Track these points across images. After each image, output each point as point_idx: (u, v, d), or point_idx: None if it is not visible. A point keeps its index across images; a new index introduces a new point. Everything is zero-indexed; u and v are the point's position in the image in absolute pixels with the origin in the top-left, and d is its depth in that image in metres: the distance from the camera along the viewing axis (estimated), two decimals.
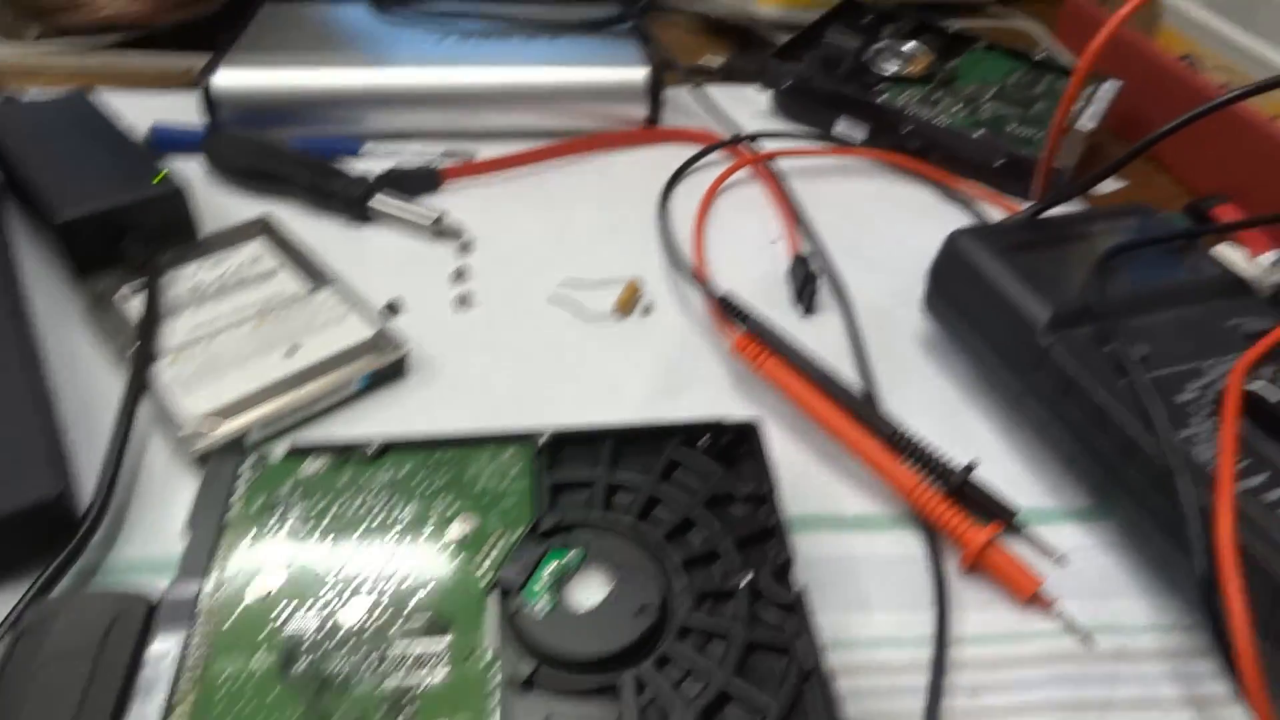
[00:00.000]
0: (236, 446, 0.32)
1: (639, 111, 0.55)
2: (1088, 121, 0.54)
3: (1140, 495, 0.30)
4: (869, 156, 0.54)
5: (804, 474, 0.35)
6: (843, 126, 0.56)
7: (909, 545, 0.32)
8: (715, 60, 0.64)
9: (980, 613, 0.30)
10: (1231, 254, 0.44)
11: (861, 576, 0.31)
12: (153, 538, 0.31)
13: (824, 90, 0.55)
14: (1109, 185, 0.55)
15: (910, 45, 0.59)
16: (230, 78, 0.51)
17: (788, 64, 0.57)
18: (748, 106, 0.59)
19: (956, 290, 0.38)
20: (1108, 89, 0.57)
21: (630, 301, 0.42)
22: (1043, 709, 0.28)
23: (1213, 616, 0.27)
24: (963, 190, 0.52)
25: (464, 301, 0.42)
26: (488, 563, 0.27)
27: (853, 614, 0.30)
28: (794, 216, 0.49)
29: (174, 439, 0.34)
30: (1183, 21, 0.59)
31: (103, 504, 0.30)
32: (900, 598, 0.31)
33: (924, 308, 0.40)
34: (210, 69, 0.51)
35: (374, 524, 0.28)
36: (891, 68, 0.57)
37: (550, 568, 0.27)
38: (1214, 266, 0.38)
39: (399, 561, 0.27)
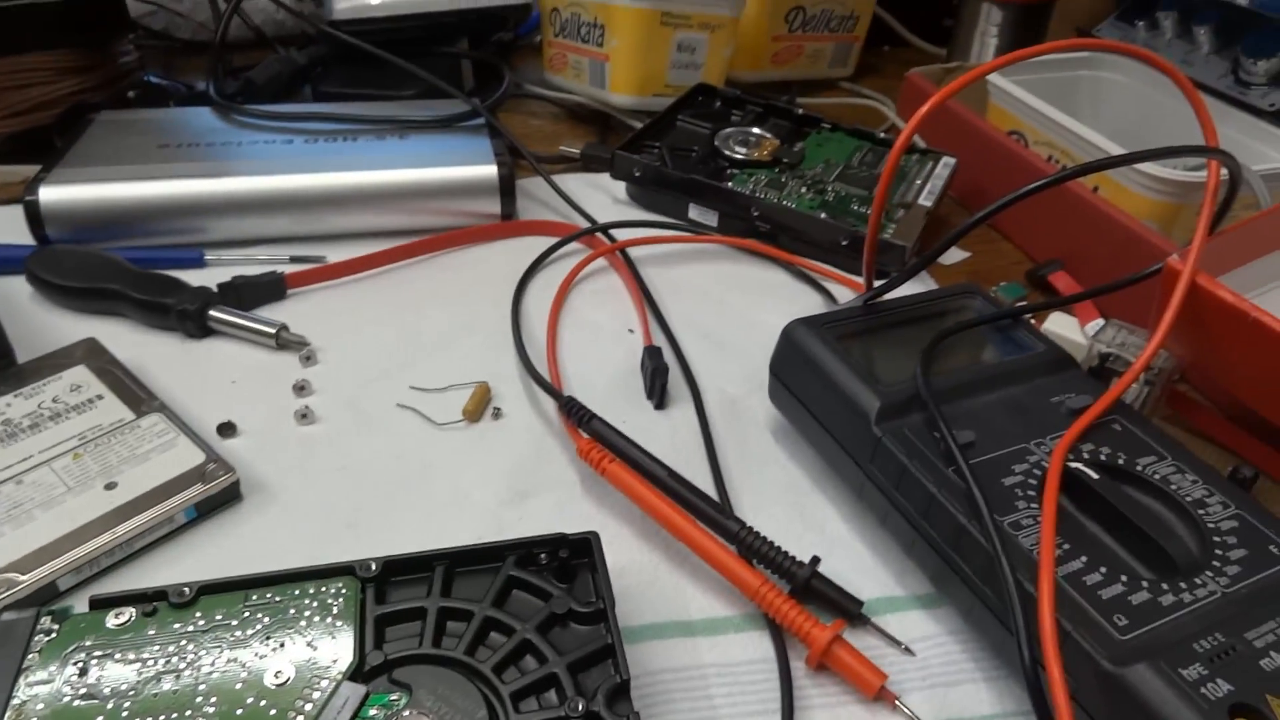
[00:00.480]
0: (36, 600, 0.30)
1: (492, 207, 0.55)
2: (926, 199, 0.56)
3: (972, 583, 0.31)
4: (721, 242, 0.55)
5: (651, 579, 0.34)
6: (695, 212, 0.57)
7: (757, 646, 0.32)
8: (574, 148, 0.65)
9: (828, 713, 0.30)
10: (1062, 324, 0.46)
11: (710, 683, 0.31)
12: None
13: (674, 178, 0.56)
14: (955, 255, 0.57)
15: (757, 130, 0.61)
16: (58, 192, 0.49)
17: (638, 154, 0.58)
18: (604, 194, 0.60)
19: (796, 381, 0.39)
20: (945, 165, 0.59)
21: (480, 406, 0.42)
22: None
23: (1038, 703, 0.27)
24: (813, 270, 0.53)
25: (305, 416, 0.40)
26: (308, 708, 0.26)
27: None
28: (647, 305, 0.49)
29: None
30: (1008, 100, 0.62)
31: None
32: (748, 704, 0.30)
33: (771, 398, 0.41)
34: (36, 183, 0.49)
35: (183, 677, 0.26)
36: (740, 153, 0.59)
37: (373, 713, 0.26)
38: (1040, 343, 0.39)
39: (212, 718, 0.25)
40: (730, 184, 0.55)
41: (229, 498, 0.36)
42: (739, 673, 0.31)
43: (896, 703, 0.30)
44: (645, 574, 0.34)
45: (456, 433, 0.40)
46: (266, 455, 0.38)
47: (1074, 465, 0.33)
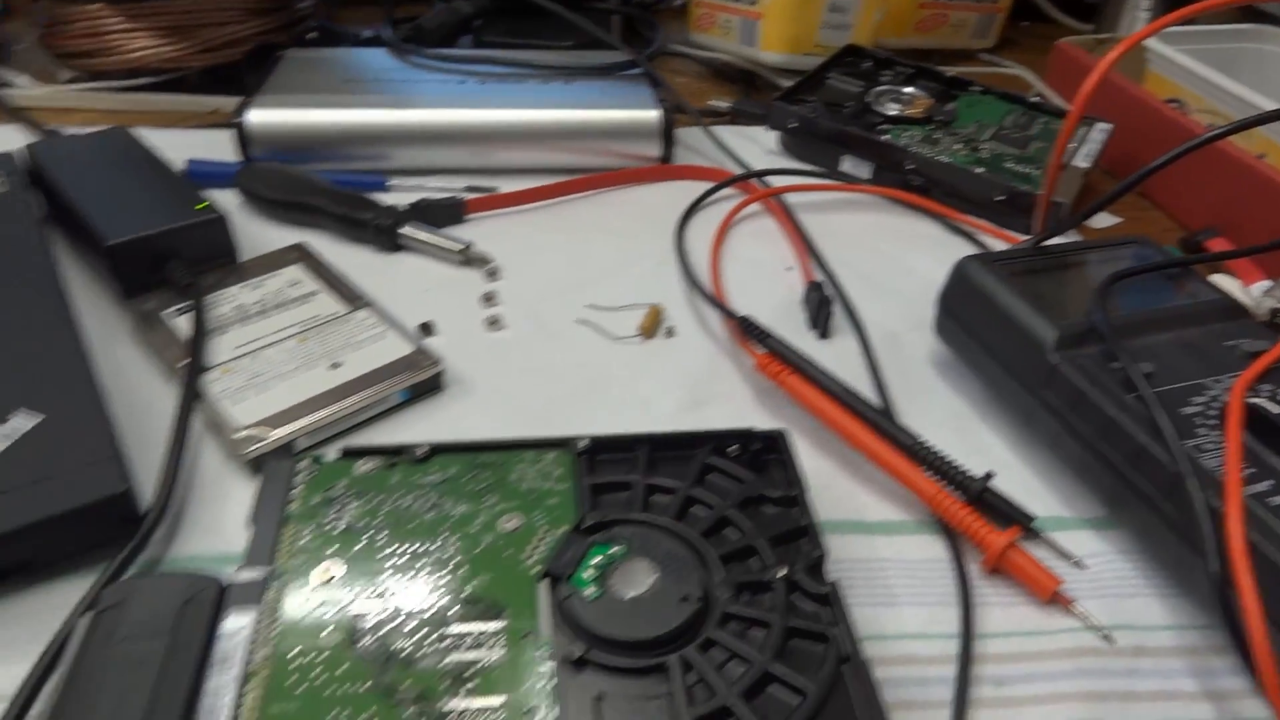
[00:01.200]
0: (287, 451, 0.33)
1: (652, 149, 0.57)
2: (1082, 160, 0.56)
3: (1151, 501, 0.32)
4: (874, 193, 0.57)
5: (827, 484, 0.36)
6: (848, 165, 0.58)
7: (932, 549, 0.34)
8: (722, 103, 0.67)
9: (1003, 611, 0.32)
10: (1226, 283, 0.47)
11: (889, 576, 0.33)
12: (210, 535, 0.32)
13: (829, 130, 0.58)
14: (1104, 220, 0.58)
15: (910, 89, 0.62)
16: (263, 115, 0.53)
17: (793, 106, 0.59)
18: (756, 146, 0.62)
19: (966, 313, 0.40)
20: (1100, 131, 0.60)
21: (653, 325, 0.44)
22: (1066, 698, 0.29)
23: (1227, 613, 0.28)
24: (967, 223, 0.54)
25: (494, 324, 0.43)
26: (536, 555, 0.29)
27: (881, 610, 0.31)
28: (806, 246, 0.51)
29: (226, 446, 0.35)
30: (1169, 68, 0.62)
31: (164, 501, 0.31)
32: (926, 596, 0.32)
33: (935, 331, 0.42)
34: (243, 108, 0.53)
35: (426, 520, 0.29)
36: (892, 110, 0.60)
37: (596, 560, 0.28)
38: (1212, 292, 0.40)
39: (452, 553, 0.28)
40: (885, 138, 0.57)
41: (434, 386, 0.39)
42: (915, 568, 0.33)
43: (1072, 606, 0.31)
44: (820, 480, 0.36)
45: (632, 347, 0.43)
46: (461, 354, 0.41)
47: (1254, 400, 0.33)
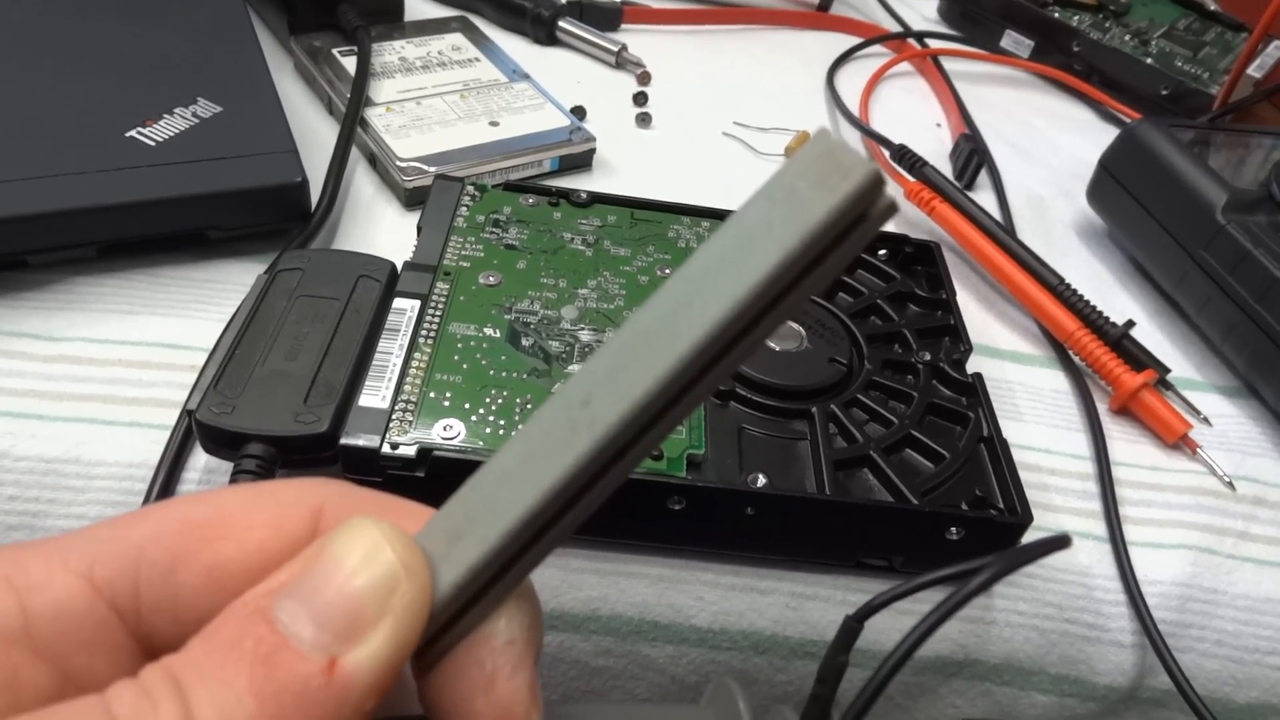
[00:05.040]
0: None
1: None
2: (1256, 70, 0.54)
3: None
4: (1034, 69, 0.55)
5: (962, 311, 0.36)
6: (1008, 41, 0.57)
7: (1059, 383, 0.34)
8: None
9: (1126, 445, 0.32)
10: None
11: (1016, 396, 0.33)
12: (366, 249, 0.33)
13: (998, 1, 0.56)
14: None
15: None
16: None
17: None
18: (913, 10, 0.60)
19: (1130, 174, 0.39)
20: (1276, 48, 0.57)
21: (800, 147, 0.44)
22: (1185, 525, 0.29)
23: None
24: (1125, 113, 0.52)
25: (644, 121, 0.44)
26: None
27: (1008, 423, 0.31)
28: (959, 107, 0.50)
29: (384, 176, 0.36)
30: None
31: (329, 204, 0.33)
32: (1053, 419, 0.32)
33: (1088, 194, 0.42)
34: None
35: (586, 255, 0.30)
36: None
37: None
38: None
39: (610, 283, 0.29)
40: (1054, 16, 0.55)
41: (585, 161, 0.39)
42: (1042, 394, 0.33)
43: (1198, 450, 0.31)
44: None
45: (777, 165, 0.43)
46: (609, 143, 0.42)
47: None
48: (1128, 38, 0.55)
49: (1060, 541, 0.14)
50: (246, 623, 0.12)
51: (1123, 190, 0.40)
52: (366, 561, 0.13)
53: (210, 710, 0.12)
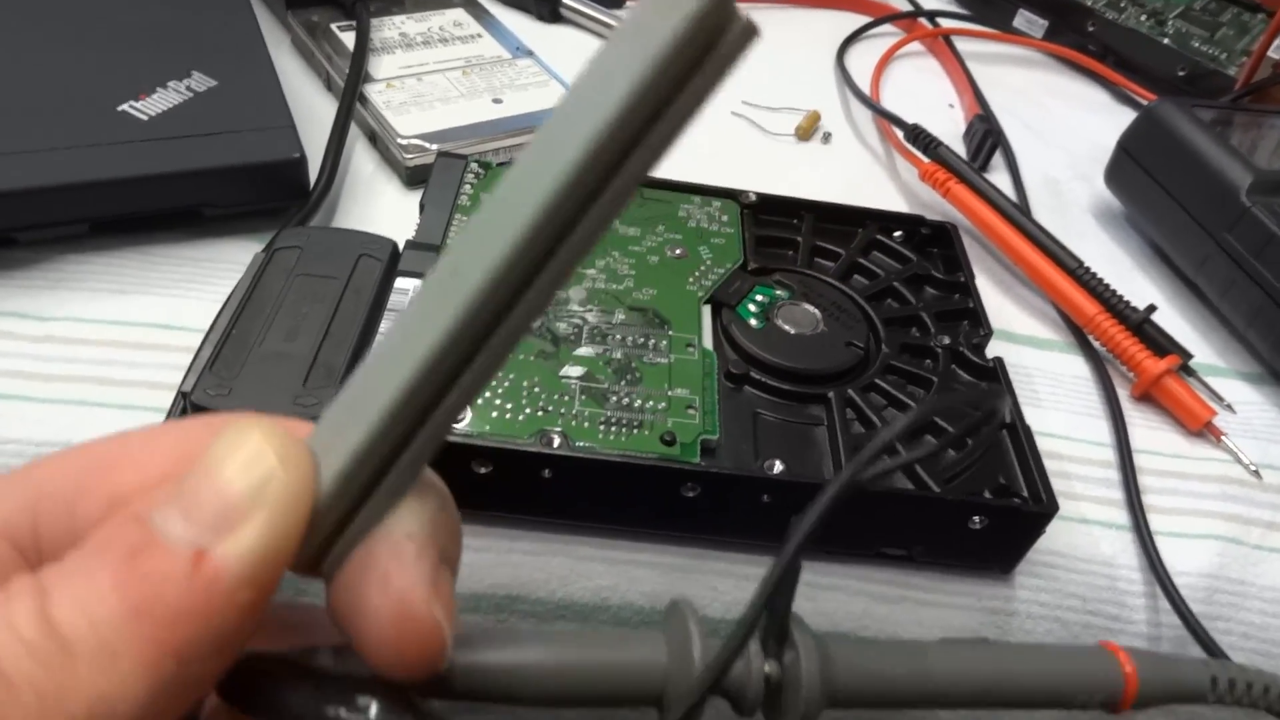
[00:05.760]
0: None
1: None
2: (1275, 52, 0.53)
3: None
4: (1048, 49, 0.54)
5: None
6: (1021, 20, 0.55)
7: (1079, 368, 0.33)
8: None
9: (1148, 432, 0.31)
10: None
11: (1034, 381, 0.32)
12: (366, 227, 0.32)
13: None
14: None
15: None
16: None
17: None
18: None
19: (1150, 155, 0.38)
20: None
21: (811, 128, 0.43)
22: (1211, 515, 0.28)
23: None
24: (1140, 94, 0.51)
25: None
26: (701, 285, 0.28)
27: (1028, 407, 0.30)
28: (972, 87, 0.49)
29: (384, 154, 0.35)
30: None
31: (328, 181, 0.32)
32: (1072, 405, 0.31)
33: (1106, 176, 0.41)
34: None
35: None
36: None
37: (760, 298, 0.28)
38: None
39: (619, 264, 0.28)
40: None
41: None
42: (1061, 380, 0.32)
43: (1222, 438, 0.31)
44: None
45: (788, 146, 0.42)
46: None
47: None
48: (1144, 18, 0.54)
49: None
50: (118, 527, 0.12)
51: (1143, 172, 0.39)
52: (239, 455, 0.12)
53: (70, 606, 0.11)
